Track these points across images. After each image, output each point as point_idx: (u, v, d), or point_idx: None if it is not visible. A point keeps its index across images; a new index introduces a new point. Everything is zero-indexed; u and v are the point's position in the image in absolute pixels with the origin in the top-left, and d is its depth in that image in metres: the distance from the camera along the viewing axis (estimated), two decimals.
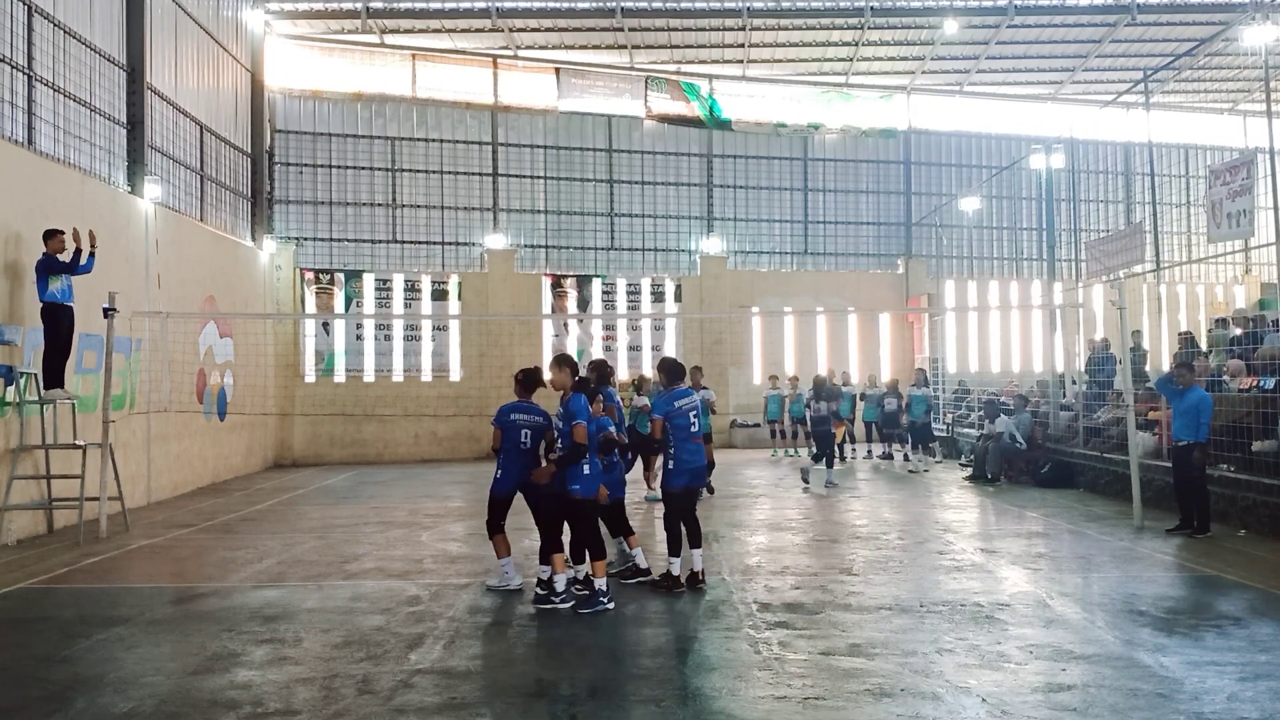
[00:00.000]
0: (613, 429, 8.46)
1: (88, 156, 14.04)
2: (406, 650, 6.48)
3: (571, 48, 24.63)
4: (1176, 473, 11.09)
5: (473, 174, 24.59)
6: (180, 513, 13.69)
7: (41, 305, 11.21)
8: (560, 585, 7.67)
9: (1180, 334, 18.05)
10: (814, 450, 15.71)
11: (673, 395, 8.43)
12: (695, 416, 8.38)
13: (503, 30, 23.43)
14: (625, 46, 24.45)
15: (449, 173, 24.40)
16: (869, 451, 21.82)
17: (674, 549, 8.37)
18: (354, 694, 5.61)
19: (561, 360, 7.97)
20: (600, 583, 7.62)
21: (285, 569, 9.65)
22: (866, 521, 12.29)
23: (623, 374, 24.39)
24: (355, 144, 23.85)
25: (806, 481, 15.55)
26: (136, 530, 11.90)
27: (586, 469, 7.70)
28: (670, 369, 8.68)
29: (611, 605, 7.53)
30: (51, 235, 11.32)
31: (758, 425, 24.00)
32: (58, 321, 11.30)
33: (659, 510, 9.73)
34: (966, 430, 21.15)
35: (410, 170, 24.21)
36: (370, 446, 22.73)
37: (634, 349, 24.99)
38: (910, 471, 18.41)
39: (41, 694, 5.67)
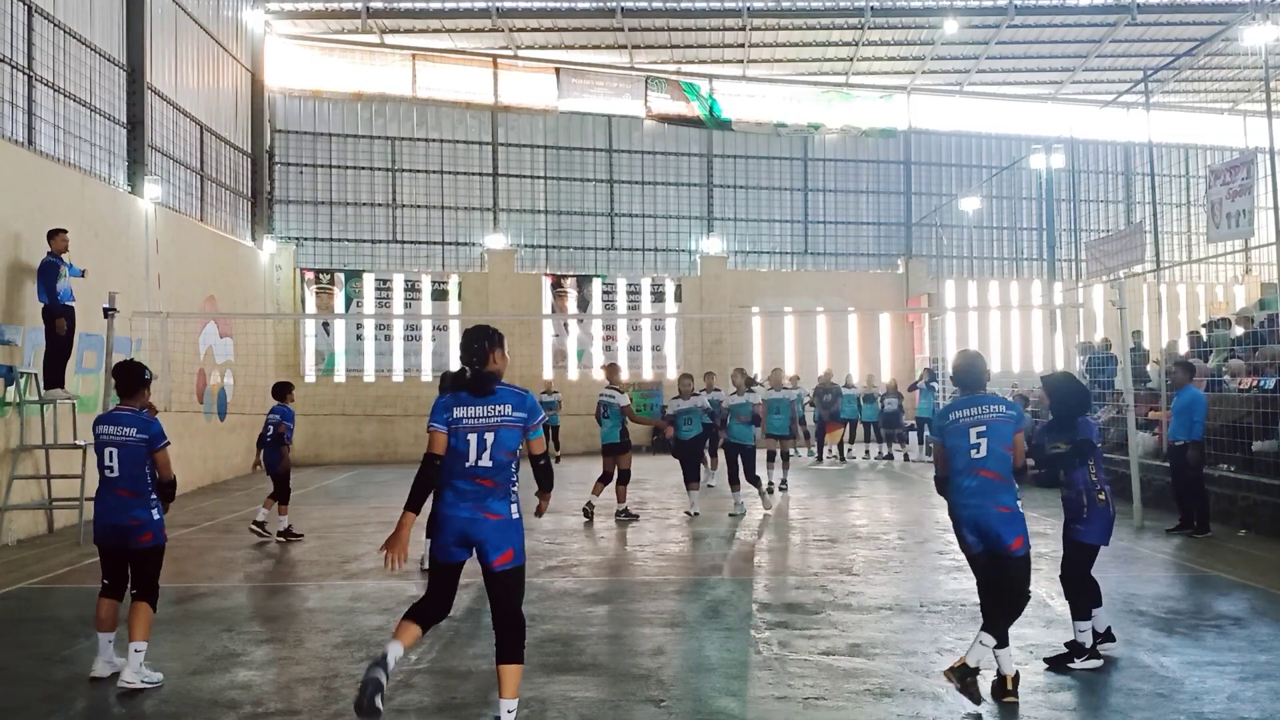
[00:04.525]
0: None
1: (88, 156, 14.04)
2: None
3: (571, 48, 24.63)
4: (1173, 472, 11.14)
5: (473, 174, 24.59)
6: (180, 513, 13.67)
7: (44, 307, 11.19)
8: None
9: (1190, 334, 18.09)
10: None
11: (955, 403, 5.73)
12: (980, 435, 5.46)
13: (503, 30, 23.43)
14: (625, 46, 24.45)
15: (449, 173, 24.40)
16: (866, 451, 21.83)
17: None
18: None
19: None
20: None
21: (285, 569, 9.66)
22: (866, 521, 12.29)
23: (623, 374, 24.42)
24: (355, 144, 23.85)
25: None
26: None
27: (156, 512, 6.07)
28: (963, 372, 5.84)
29: None
30: (55, 234, 11.32)
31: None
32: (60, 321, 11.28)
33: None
34: None
35: (410, 170, 24.21)
36: (370, 447, 22.71)
37: (634, 349, 24.99)
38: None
39: (41, 694, 5.67)
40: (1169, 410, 12.56)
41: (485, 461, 4.70)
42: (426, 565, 6.74)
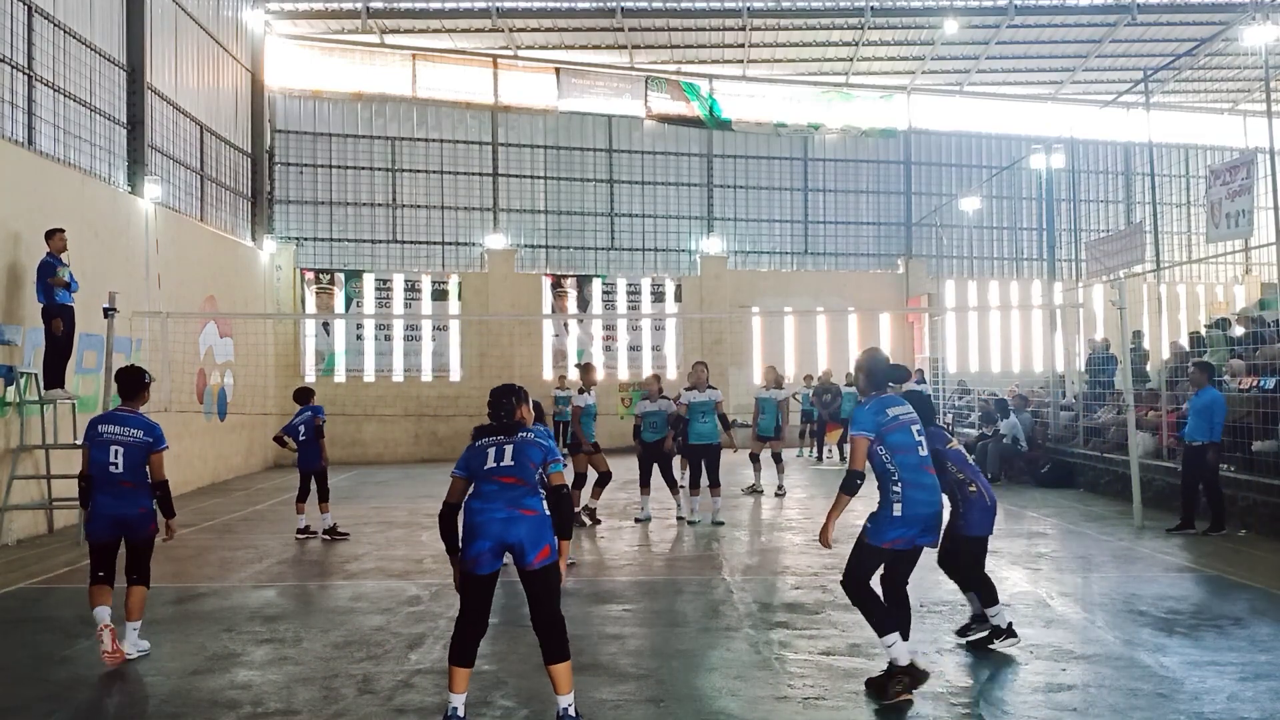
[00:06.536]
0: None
1: (88, 156, 14.04)
2: (406, 650, 6.48)
3: (571, 48, 24.62)
4: (1187, 473, 11.03)
5: (473, 174, 24.58)
6: (180, 513, 13.62)
7: (42, 307, 11.19)
8: None
9: (1191, 334, 18.11)
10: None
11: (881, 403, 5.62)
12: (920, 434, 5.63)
13: (503, 30, 23.42)
14: (625, 46, 24.44)
15: (449, 173, 24.39)
16: None
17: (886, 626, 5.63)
18: (354, 694, 5.61)
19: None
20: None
21: (285, 569, 9.66)
22: None
23: (623, 374, 24.49)
24: (355, 144, 23.84)
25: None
26: None
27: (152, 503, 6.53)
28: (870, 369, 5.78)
29: None
30: (52, 234, 11.32)
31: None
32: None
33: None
34: (967, 430, 21.14)
35: (410, 170, 24.20)
36: (370, 447, 22.72)
37: (634, 349, 24.99)
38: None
39: (41, 694, 5.67)
40: (1170, 410, 12.56)
41: (507, 460, 4.94)
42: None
